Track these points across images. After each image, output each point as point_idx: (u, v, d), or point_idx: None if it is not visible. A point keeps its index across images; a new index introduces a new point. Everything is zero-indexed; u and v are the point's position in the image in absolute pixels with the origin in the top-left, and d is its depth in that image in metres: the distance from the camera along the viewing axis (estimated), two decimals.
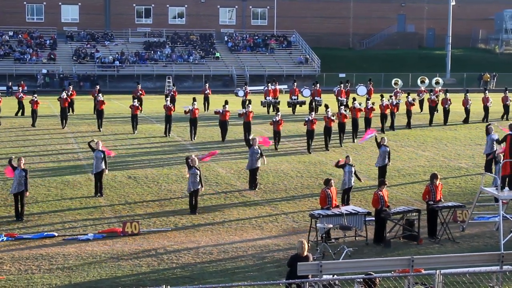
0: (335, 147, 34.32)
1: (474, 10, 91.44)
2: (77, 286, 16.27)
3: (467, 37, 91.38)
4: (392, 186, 26.05)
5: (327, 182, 20.25)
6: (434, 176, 20.48)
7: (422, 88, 48.70)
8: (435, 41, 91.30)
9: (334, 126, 34.39)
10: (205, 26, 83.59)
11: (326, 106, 34.86)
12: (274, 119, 33.49)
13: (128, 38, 79.97)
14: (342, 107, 37.12)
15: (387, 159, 26.12)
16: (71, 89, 46.33)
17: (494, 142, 26.97)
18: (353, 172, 22.98)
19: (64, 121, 40.49)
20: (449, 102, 43.57)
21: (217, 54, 77.96)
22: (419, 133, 39.52)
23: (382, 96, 40.33)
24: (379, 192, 19.89)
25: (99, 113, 39.91)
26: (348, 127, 35.90)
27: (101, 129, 39.37)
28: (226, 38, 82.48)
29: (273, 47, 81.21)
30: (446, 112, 43.59)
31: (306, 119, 33.32)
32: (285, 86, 62.12)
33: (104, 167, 24.49)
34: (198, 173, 22.56)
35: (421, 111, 47.59)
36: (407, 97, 41.60)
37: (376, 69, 76.21)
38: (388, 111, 39.83)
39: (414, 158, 32.02)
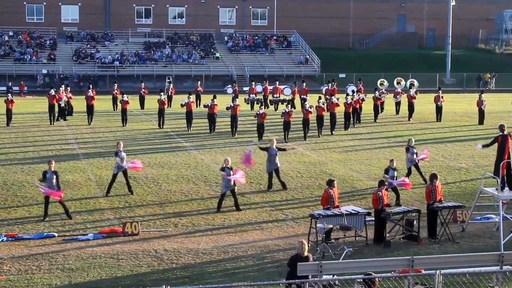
0: (323, 142, 34.38)
1: (474, 10, 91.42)
2: (77, 286, 16.27)
3: (467, 37, 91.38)
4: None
5: (330, 183, 20.25)
6: (434, 176, 20.47)
7: (399, 90, 48.37)
8: (435, 41, 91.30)
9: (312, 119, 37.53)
10: (205, 26, 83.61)
11: (304, 100, 37.29)
12: (258, 112, 36.28)
13: (128, 38, 79.98)
14: (320, 100, 38.84)
15: (416, 158, 26.37)
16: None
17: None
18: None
19: (52, 118, 42.20)
20: (442, 99, 43.93)
21: (217, 54, 77.97)
22: (419, 133, 39.54)
23: (352, 92, 44.64)
24: (379, 192, 19.91)
25: (89, 108, 42.60)
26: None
27: (91, 123, 42.01)
28: (226, 38, 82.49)
29: (273, 47, 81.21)
30: (439, 109, 44.10)
31: (283, 111, 36.65)
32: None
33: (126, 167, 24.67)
34: (231, 173, 22.59)
35: (397, 113, 47.20)
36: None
37: (376, 69, 76.19)
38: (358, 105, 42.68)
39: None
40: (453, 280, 14.28)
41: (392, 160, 23.61)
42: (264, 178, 27.08)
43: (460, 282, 14.34)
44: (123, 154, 24.66)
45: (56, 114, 43.60)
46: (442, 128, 41.93)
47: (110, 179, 24.92)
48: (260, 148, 27.29)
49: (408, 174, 26.47)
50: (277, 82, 52.82)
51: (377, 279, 12.99)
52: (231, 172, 22.64)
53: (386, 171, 23.39)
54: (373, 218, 20.11)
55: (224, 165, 22.83)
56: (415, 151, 26.32)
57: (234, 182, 22.68)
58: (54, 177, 21.64)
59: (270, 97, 51.50)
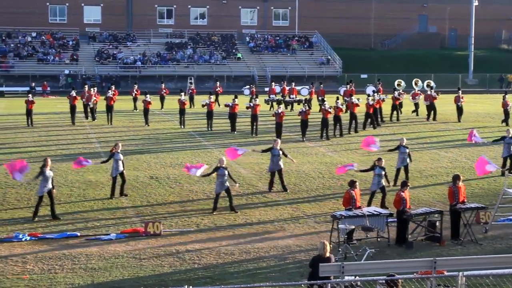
0: (345, 143, 34.29)
1: (496, 10, 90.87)
2: (99, 286, 16.35)
3: (490, 38, 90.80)
4: (415, 187, 25.91)
5: (352, 184, 20.21)
6: (456, 178, 20.35)
7: (417, 91, 48.08)
8: (457, 41, 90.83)
9: (330, 118, 37.80)
10: (226, 27, 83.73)
11: (323, 100, 38.57)
12: (276, 112, 36.87)
13: (150, 39, 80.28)
14: (338, 101, 38.90)
15: (408, 159, 26.29)
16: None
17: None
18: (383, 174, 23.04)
19: (73, 118, 42.42)
20: (462, 99, 43.85)
21: (239, 55, 78.04)
22: (441, 134, 39.36)
23: (373, 93, 44.64)
24: (401, 193, 19.81)
25: (108, 109, 42.86)
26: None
27: (111, 123, 42.44)
28: (247, 39, 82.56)
29: (294, 47, 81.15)
30: (459, 109, 43.98)
31: (300, 110, 37.28)
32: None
33: (122, 169, 24.52)
34: (226, 173, 22.59)
35: (417, 115, 46.67)
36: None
37: (398, 70, 75.92)
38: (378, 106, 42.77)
39: (437, 159, 31.86)
40: (476, 282, 14.20)
41: (380, 159, 23.41)
42: (285, 179, 26.94)
43: (483, 284, 14.26)
44: (120, 155, 24.53)
45: (88, 114, 44.45)
46: (464, 129, 41.63)
47: (114, 182, 24.69)
48: (262, 151, 26.92)
49: (396, 174, 26.41)
50: (293, 83, 53.56)
51: (399, 280, 12.93)
52: (226, 172, 22.57)
53: (372, 168, 23.25)
54: (395, 219, 20.04)
55: (218, 165, 22.85)
56: (407, 151, 26.33)
57: (228, 181, 22.63)
58: (51, 174, 22.04)
59: (286, 97, 51.92)
